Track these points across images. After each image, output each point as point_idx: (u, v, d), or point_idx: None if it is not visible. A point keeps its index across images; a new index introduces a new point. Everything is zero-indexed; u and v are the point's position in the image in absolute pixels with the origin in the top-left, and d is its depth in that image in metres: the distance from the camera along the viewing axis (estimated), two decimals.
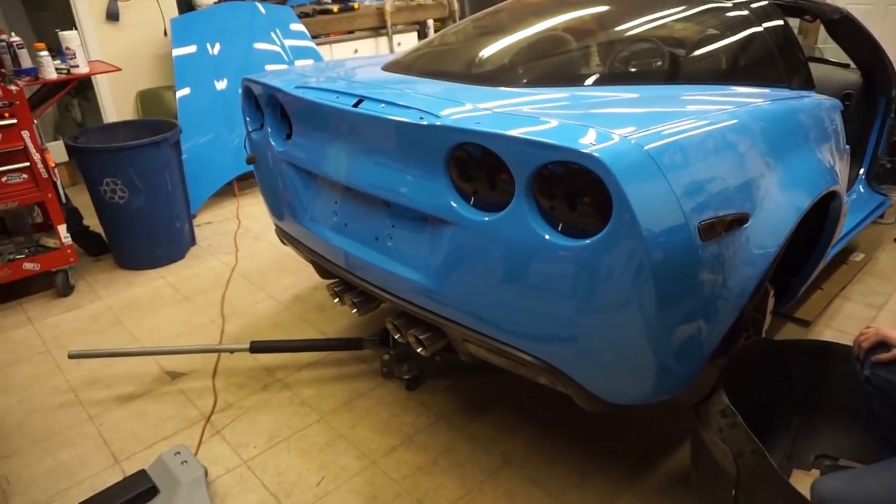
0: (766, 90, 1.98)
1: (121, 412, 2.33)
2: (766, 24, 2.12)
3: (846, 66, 3.16)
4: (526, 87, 1.81)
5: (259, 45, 4.39)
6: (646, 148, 1.33)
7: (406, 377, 2.36)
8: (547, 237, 1.38)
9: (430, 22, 6.19)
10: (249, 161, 2.30)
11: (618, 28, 2.14)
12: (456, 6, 5.66)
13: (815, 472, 1.99)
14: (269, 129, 2.14)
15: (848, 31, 2.67)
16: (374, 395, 2.37)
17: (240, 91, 2.26)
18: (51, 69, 2.95)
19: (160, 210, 3.30)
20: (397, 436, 2.17)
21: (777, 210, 1.58)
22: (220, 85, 4.16)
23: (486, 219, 1.48)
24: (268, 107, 2.13)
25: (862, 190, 3.15)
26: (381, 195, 1.74)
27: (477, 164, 1.52)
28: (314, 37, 4.79)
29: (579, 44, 2.09)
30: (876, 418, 1.78)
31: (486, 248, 1.51)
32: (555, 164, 1.36)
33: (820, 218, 2.07)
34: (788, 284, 2.25)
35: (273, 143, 2.13)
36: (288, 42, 4.50)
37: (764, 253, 1.56)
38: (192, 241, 3.66)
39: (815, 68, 3.20)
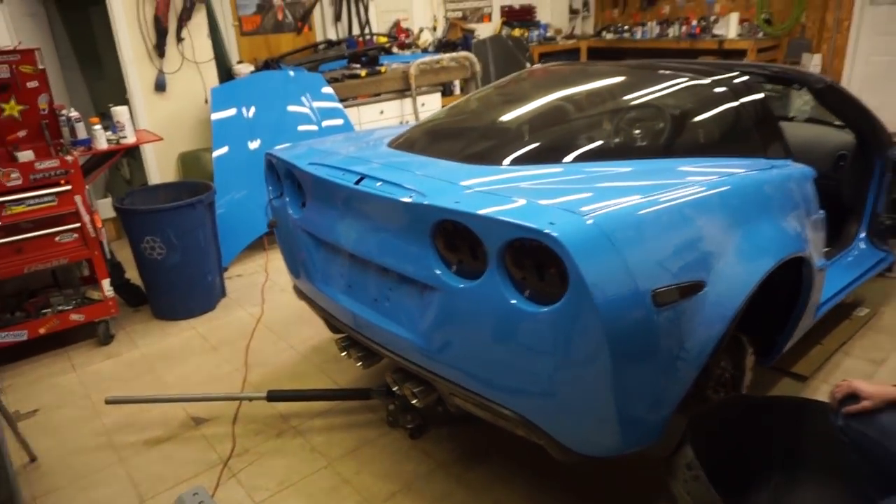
0: (741, 161, 2.14)
1: (148, 455, 2.54)
2: (742, 100, 2.29)
3: (844, 126, 3.28)
4: (512, 165, 2.01)
5: (290, 109, 4.74)
6: (601, 225, 1.50)
7: (409, 426, 2.51)
8: (514, 303, 1.55)
9: (457, 81, 6.52)
10: (271, 226, 2.54)
11: (600, 107, 2.34)
12: (478, 68, 5.97)
13: None
14: (287, 199, 2.39)
15: (833, 99, 2.80)
16: (379, 443, 2.53)
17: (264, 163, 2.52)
18: (102, 140, 3.30)
19: (194, 265, 3.58)
20: (398, 482, 2.32)
21: (735, 277, 1.72)
22: (254, 145, 4.50)
23: (465, 286, 1.67)
24: (286, 178, 2.39)
25: (863, 246, 3.22)
26: (379, 262, 1.94)
27: (460, 237, 1.71)
28: (343, 99, 5.13)
29: (565, 123, 2.29)
30: (852, 470, 1.85)
31: (466, 312, 1.68)
32: (522, 239, 1.54)
33: (796, 279, 2.18)
34: (773, 342, 2.34)
35: (290, 211, 2.37)
36: (317, 104, 4.84)
37: (721, 316, 1.69)
38: (223, 293, 3.92)
39: (812, 129, 3.36)
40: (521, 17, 8.39)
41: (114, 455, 2.55)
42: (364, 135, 2.72)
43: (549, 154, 2.08)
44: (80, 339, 3.47)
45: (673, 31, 7.94)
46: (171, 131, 4.55)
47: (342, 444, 2.54)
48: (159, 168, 4.66)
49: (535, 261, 1.58)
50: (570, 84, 2.60)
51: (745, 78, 2.41)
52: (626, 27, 8.49)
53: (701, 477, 1.65)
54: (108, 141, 3.35)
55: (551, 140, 2.19)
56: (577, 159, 2.03)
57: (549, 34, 8.48)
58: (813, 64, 6.93)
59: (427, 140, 2.34)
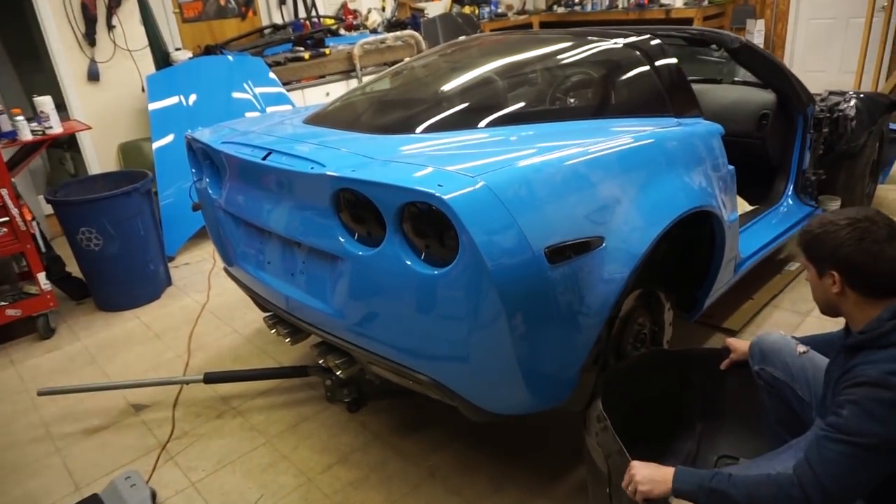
0: (650, 120, 2.18)
1: (86, 444, 2.54)
2: (652, 61, 2.32)
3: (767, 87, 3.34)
4: (425, 133, 2.02)
5: (231, 95, 4.68)
6: (492, 186, 1.53)
7: (346, 400, 2.54)
8: (410, 264, 1.58)
9: (407, 60, 6.49)
10: (195, 208, 2.53)
11: (515, 73, 2.36)
12: (424, 46, 5.94)
13: None
14: (207, 180, 2.37)
15: (750, 58, 2.86)
16: (318, 419, 2.56)
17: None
18: (26, 131, 3.24)
19: (134, 255, 3.54)
20: (334, 454, 2.35)
21: (634, 232, 1.76)
22: None
23: (368, 252, 1.69)
24: (204, 160, 2.37)
25: (791, 202, 3.31)
26: (290, 236, 1.95)
27: (362, 206, 1.72)
28: (286, 83, 5.08)
29: (480, 90, 2.31)
30: (768, 411, 1.93)
31: (371, 279, 1.71)
32: (415, 203, 1.56)
33: (710, 235, 2.24)
34: (695, 298, 2.41)
35: (211, 192, 2.36)
36: (259, 90, 4.79)
37: (621, 270, 1.73)
38: (168, 282, 3.89)
39: (736, 91, 3.43)
40: None
41: (50, 446, 2.54)
42: (288, 113, 2.71)
43: (462, 120, 2.10)
44: (20, 334, 3.42)
45: (622, 2, 7.97)
46: (109, 122, 4.47)
47: (281, 421, 2.56)
48: (99, 160, 4.58)
49: (435, 227, 1.60)
50: (486, 53, 2.62)
51: (657, 41, 2.44)
52: (576, 0, 8.50)
53: (608, 427, 1.70)
54: (33, 132, 3.29)
55: (466, 107, 2.21)
56: (491, 124, 2.05)
57: (500, 10, 8.45)
58: (757, 29, 7.02)
59: (342, 114, 2.35)
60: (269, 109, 4.79)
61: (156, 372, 3.00)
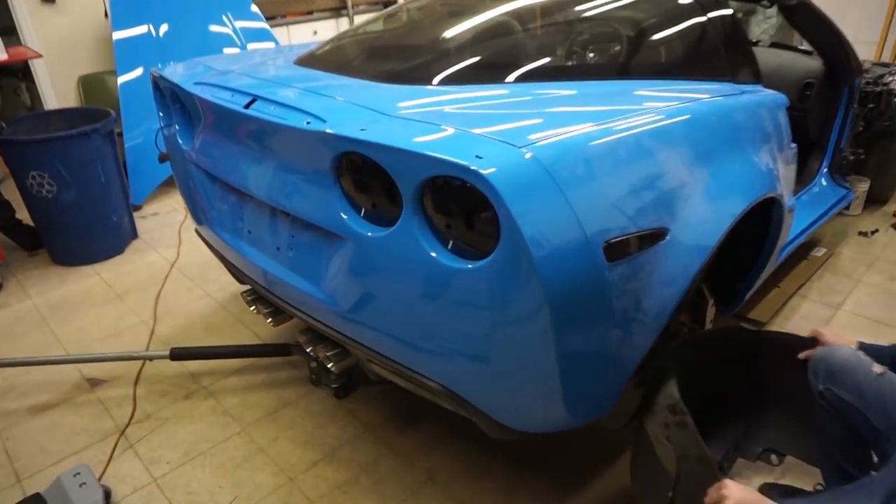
0: (707, 85, 1.84)
1: (31, 424, 2.21)
2: (710, 15, 1.97)
3: (810, 53, 3.02)
4: (443, 85, 1.66)
5: (208, 28, 4.19)
6: (543, 160, 1.20)
7: (334, 385, 2.25)
8: (435, 256, 1.25)
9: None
10: (161, 159, 2.15)
11: (547, 19, 1.99)
12: None
13: (759, 464, 1.91)
14: (177, 127, 1.99)
15: (805, 18, 2.53)
16: (301, 404, 2.26)
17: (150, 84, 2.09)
18: None
19: (93, 204, 3.15)
20: (320, 449, 2.07)
21: (702, 223, 1.46)
22: None
23: (377, 234, 1.35)
24: (174, 103, 1.98)
25: (825, 183, 3.04)
26: (275, 203, 1.60)
27: (371, 174, 1.38)
28: (270, 18, 4.59)
29: (508, 37, 1.94)
30: (826, 436, 1.67)
31: (378, 266, 1.38)
32: (443, 177, 1.22)
33: (763, 222, 1.95)
34: (734, 290, 2.13)
35: (181, 142, 1.98)
36: (240, 24, 4.31)
37: (685, 269, 1.43)
38: (134, 235, 3.51)
39: (777, 55, 3.09)
40: None
41: None
42: (273, 52, 2.31)
43: (488, 72, 1.74)
44: None
45: None
46: (67, 50, 3.97)
47: (259, 405, 2.26)
48: (56, 93, 4.08)
49: (463, 205, 1.27)
50: None
51: None
52: None
53: (687, 423, 1.42)
54: None
55: (492, 56, 1.84)
56: (522, 79, 1.69)
57: None
58: None
59: (342, 55, 1.96)
60: (251, 46, 4.33)
61: (116, 339, 2.67)
